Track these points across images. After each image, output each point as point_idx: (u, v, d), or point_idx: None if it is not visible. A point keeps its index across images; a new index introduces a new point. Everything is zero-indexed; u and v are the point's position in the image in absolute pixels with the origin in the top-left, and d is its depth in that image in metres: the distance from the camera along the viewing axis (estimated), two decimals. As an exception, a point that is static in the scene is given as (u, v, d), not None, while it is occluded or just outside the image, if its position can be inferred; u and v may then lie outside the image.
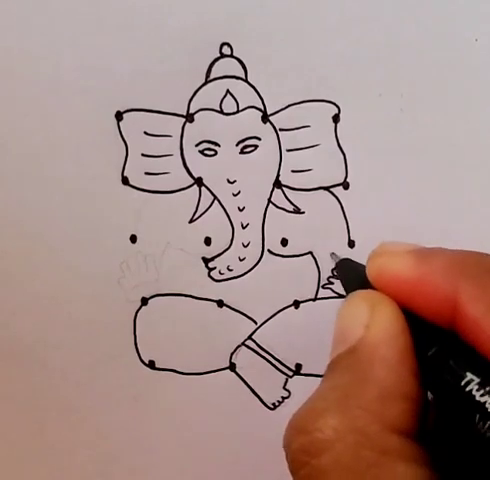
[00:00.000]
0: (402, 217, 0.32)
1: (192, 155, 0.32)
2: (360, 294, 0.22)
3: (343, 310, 0.22)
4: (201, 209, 0.32)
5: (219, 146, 0.32)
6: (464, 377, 0.19)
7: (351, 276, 0.25)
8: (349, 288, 0.24)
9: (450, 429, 0.19)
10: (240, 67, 0.31)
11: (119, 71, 0.31)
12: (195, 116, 0.31)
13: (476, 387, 0.18)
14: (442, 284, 0.20)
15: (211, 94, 0.31)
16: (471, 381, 0.19)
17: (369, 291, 0.22)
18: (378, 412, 0.19)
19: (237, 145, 0.32)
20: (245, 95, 0.31)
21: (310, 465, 0.19)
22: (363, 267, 0.23)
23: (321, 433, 0.19)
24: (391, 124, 0.31)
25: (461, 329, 0.19)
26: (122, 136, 0.31)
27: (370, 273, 0.22)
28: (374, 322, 0.20)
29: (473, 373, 0.19)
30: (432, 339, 0.20)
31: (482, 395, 0.18)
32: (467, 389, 0.19)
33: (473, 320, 0.19)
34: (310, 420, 0.19)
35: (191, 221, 0.32)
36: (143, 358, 0.33)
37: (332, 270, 0.33)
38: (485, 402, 0.18)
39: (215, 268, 0.32)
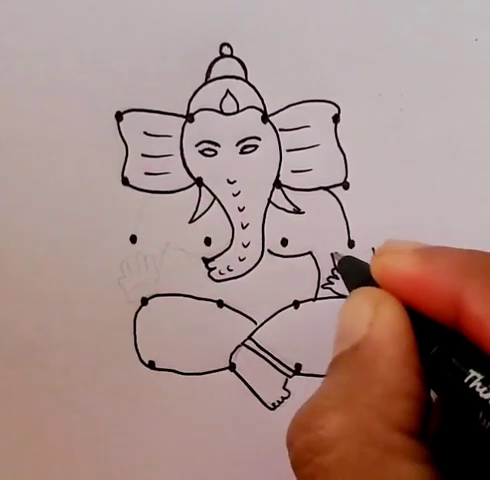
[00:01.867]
0: (402, 217, 0.32)
1: (192, 155, 0.32)
2: (364, 292, 0.22)
3: (346, 307, 0.22)
4: (201, 209, 0.32)
5: (219, 146, 0.31)
6: (467, 374, 0.19)
7: (354, 274, 0.25)
8: (351, 286, 0.24)
9: (454, 427, 0.19)
10: (240, 67, 0.31)
11: (119, 71, 0.31)
12: (195, 116, 0.31)
13: (479, 384, 0.18)
14: (446, 282, 0.20)
15: (211, 94, 0.31)
16: (474, 378, 0.19)
17: (373, 289, 0.22)
18: (382, 411, 0.19)
19: (237, 145, 0.32)
20: (245, 95, 0.31)
21: (313, 463, 0.19)
22: (365, 265, 0.23)
23: (325, 431, 0.19)
24: (391, 124, 0.31)
25: (465, 327, 0.19)
26: (122, 136, 0.31)
27: (374, 270, 0.22)
28: (378, 320, 0.20)
29: (477, 370, 0.19)
30: (435, 337, 0.20)
31: (485, 392, 0.18)
32: (470, 386, 0.19)
33: (477, 319, 0.19)
34: (314, 418, 0.19)
35: (191, 221, 0.32)
36: (143, 358, 0.33)
37: (332, 270, 0.33)
38: (489, 399, 0.18)
39: (215, 268, 0.32)
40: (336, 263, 0.31)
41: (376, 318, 0.20)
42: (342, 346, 0.21)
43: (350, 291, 0.23)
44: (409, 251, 0.21)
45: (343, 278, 0.28)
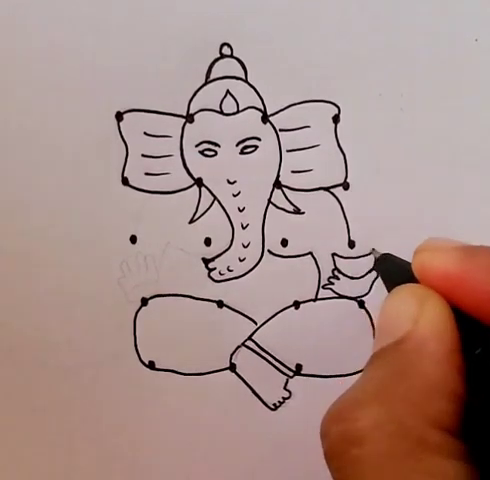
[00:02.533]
0: (402, 217, 0.32)
1: (192, 155, 0.32)
2: (408, 288, 0.21)
3: (389, 303, 0.21)
4: (201, 209, 0.32)
5: (219, 146, 0.31)
6: None
7: (393, 271, 0.25)
8: (390, 283, 0.24)
9: None
10: (240, 67, 0.31)
11: (119, 71, 0.31)
12: (195, 116, 0.31)
13: None
14: (487, 281, 0.20)
15: (211, 94, 0.31)
16: None
17: (417, 285, 0.21)
18: (420, 405, 0.19)
19: (237, 145, 0.32)
20: (245, 95, 0.31)
21: (349, 454, 0.19)
22: (405, 262, 0.23)
23: (360, 422, 0.19)
24: (391, 124, 0.31)
25: None
26: (122, 136, 0.31)
27: (416, 267, 0.21)
28: (423, 317, 0.20)
29: None
30: (479, 337, 0.20)
31: None
32: None
33: None
34: (350, 409, 0.19)
35: (191, 221, 0.32)
36: (143, 358, 0.33)
37: (332, 270, 0.33)
38: None
39: (215, 268, 0.32)
40: (374, 260, 0.31)
41: (421, 315, 0.20)
42: (384, 341, 0.21)
43: (389, 289, 0.23)
44: (450, 249, 0.21)
45: (381, 275, 0.28)
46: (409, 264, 0.22)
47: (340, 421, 0.19)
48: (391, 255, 0.27)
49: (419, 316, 0.20)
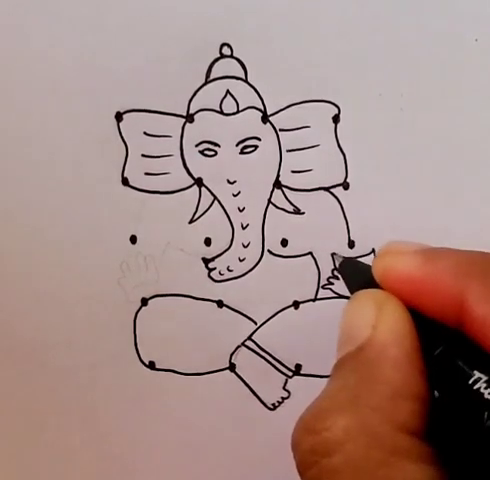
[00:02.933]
0: (402, 217, 0.32)
1: (192, 155, 0.32)
2: (366, 293, 0.22)
3: (349, 309, 0.22)
4: (201, 209, 0.32)
5: (219, 146, 0.31)
6: (472, 375, 0.19)
7: (355, 275, 0.25)
8: (353, 287, 0.24)
9: (458, 428, 0.19)
10: (240, 67, 0.31)
11: (119, 71, 0.31)
12: (195, 116, 0.31)
13: (484, 385, 0.18)
14: (449, 283, 0.20)
15: (211, 94, 0.31)
16: (479, 379, 0.19)
17: (375, 290, 0.21)
18: (387, 412, 0.19)
19: (237, 145, 0.32)
20: (245, 95, 0.31)
21: (319, 465, 0.19)
22: (366, 266, 0.23)
23: (330, 433, 0.19)
24: (391, 124, 0.31)
25: (468, 328, 0.19)
26: (122, 137, 0.31)
27: (377, 271, 0.22)
28: (381, 322, 0.20)
29: (481, 371, 0.19)
30: (439, 338, 0.20)
31: None
32: (475, 387, 0.18)
33: (481, 319, 0.19)
34: (319, 420, 0.19)
35: (191, 221, 0.32)
36: (143, 359, 0.33)
37: (332, 270, 0.33)
38: None
39: (215, 268, 0.32)
40: (336, 264, 0.31)
41: (379, 320, 0.20)
42: (345, 348, 0.21)
43: (352, 293, 0.23)
44: (411, 252, 0.21)
45: (344, 280, 0.28)
46: (370, 268, 0.22)
47: (310, 432, 0.19)
48: (353, 259, 0.28)
49: (377, 322, 0.20)
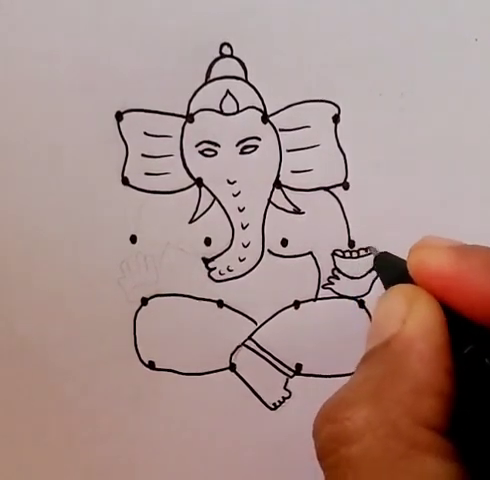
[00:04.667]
0: (402, 217, 0.32)
1: (192, 155, 0.32)
2: (398, 288, 0.21)
3: (381, 304, 0.22)
4: (201, 209, 0.32)
5: (219, 146, 0.32)
6: None
7: (390, 270, 0.25)
8: (387, 282, 0.24)
9: (482, 427, 0.19)
10: (240, 67, 0.31)
11: (119, 71, 0.31)
12: (195, 116, 0.31)
13: None
14: (480, 281, 0.20)
15: (211, 94, 0.31)
16: None
17: (408, 285, 0.21)
18: (410, 406, 0.19)
19: (237, 145, 0.32)
20: (245, 95, 0.31)
21: (338, 453, 0.19)
22: (401, 261, 0.23)
23: (351, 423, 0.19)
24: (391, 124, 0.31)
25: None
26: (122, 136, 0.31)
27: (411, 264, 0.21)
28: (411, 317, 0.20)
29: None
30: (469, 336, 0.20)
31: None
32: None
33: None
34: (340, 410, 0.19)
35: (191, 221, 0.32)
36: (143, 358, 0.33)
37: (332, 270, 0.33)
38: None
39: (215, 268, 0.32)
40: (373, 258, 0.31)
41: (409, 315, 0.20)
42: (374, 341, 0.21)
43: (386, 287, 0.23)
44: (445, 247, 0.21)
45: (378, 274, 0.28)
46: (405, 262, 0.22)
47: (331, 421, 0.20)
48: (389, 254, 0.28)
49: (407, 316, 0.20)
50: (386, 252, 0.28)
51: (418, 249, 0.22)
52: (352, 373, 0.33)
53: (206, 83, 0.31)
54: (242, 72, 0.31)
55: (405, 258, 0.22)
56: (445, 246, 0.21)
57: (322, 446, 0.20)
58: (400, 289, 0.21)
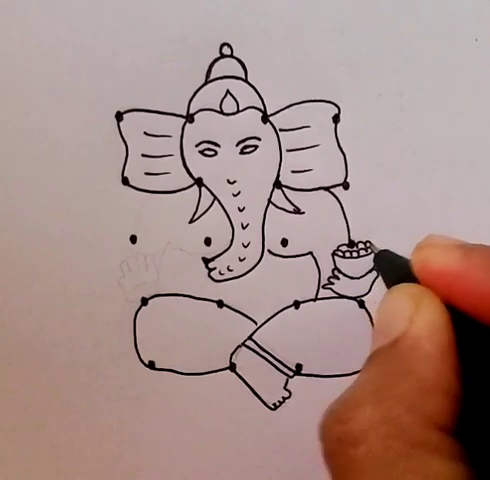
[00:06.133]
0: (402, 217, 0.32)
1: (192, 155, 0.32)
2: (403, 288, 0.21)
3: (386, 303, 0.21)
4: (201, 209, 0.32)
5: (219, 146, 0.32)
6: None
7: (391, 268, 0.25)
8: (389, 280, 0.24)
9: (488, 427, 0.19)
10: (240, 67, 0.31)
11: (119, 71, 0.31)
12: (195, 116, 0.31)
13: None
14: (484, 280, 0.20)
15: (211, 94, 0.31)
16: None
17: (413, 285, 0.21)
18: (414, 404, 0.19)
19: (237, 145, 0.32)
20: (245, 95, 0.31)
21: (346, 455, 0.19)
22: (402, 259, 0.23)
23: (356, 423, 0.19)
24: (391, 124, 0.31)
25: None
26: (122, 136, 0.31)
27: (415, 263, 0.21)
28: (418, 316, 0.20)
29: None
30: (475, 336, 0.20)
31: None
32: None
33: None
34: (346, 410, 0.19)
35: (191, 221, 0.32)
36: (143, 358, 0.33)
37: (332, 270, 0.33)
38: None
39: (215, 268, 0.32)
40: (373, 255, 0.31)
41: (416, 314, 0.20)
42: (380, 341, 0.21)
43: (387, 285, 0.23)
44: (450, 246, 0.21)
45: (379, 271, 0.28)
46: (407, 261, 0.22)
47: (337, 422, 0.19)
48: (389, 251, 0.27)
49: (414, 316, 0.20)
50: (386, 250, 0.28)
51: (422, 247, 0.22)
52: (352, 373, 0.33)
53: (206, 83, 0.31)
54: (242, 72, 0.31)
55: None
56: (450, 245, 0.21)
57: (329, 447, 0.20)
58: (405, 288, 0.21)
